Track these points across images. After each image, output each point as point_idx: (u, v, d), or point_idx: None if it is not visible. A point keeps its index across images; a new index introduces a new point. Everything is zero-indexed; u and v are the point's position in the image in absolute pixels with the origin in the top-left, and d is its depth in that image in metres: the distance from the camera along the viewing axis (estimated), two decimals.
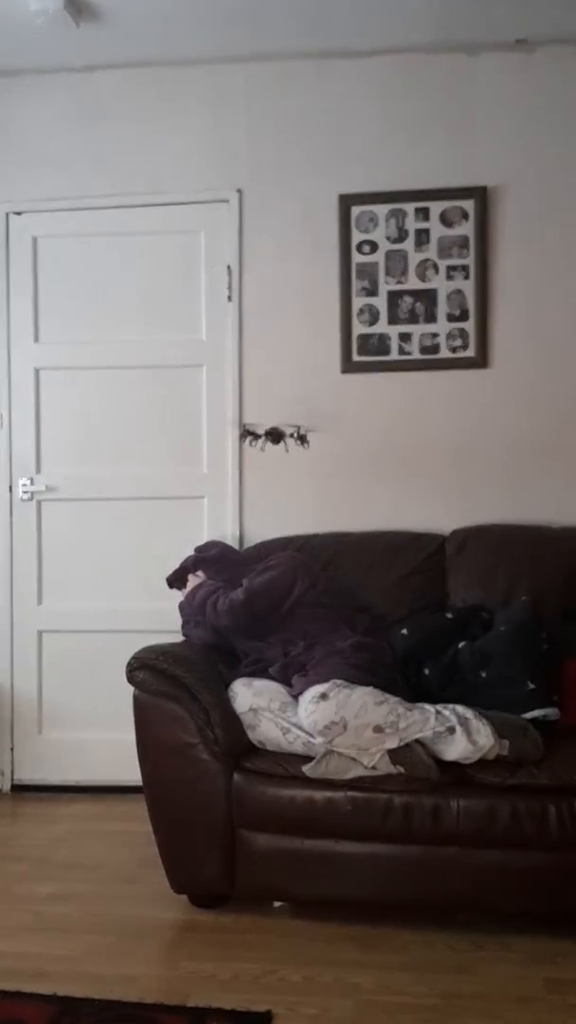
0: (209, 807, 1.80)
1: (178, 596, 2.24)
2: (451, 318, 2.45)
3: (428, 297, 2.46)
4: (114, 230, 2.59)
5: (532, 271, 2.43)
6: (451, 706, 1.76)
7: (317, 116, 2.50)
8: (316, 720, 1.72)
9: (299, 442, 2.36)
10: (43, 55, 2.49)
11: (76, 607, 2.60)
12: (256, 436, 2.38)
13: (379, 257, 2.47)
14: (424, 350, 2.47)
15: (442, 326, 2.45)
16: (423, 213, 2.45)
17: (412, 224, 2.46)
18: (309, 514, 2.46)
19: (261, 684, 1.90)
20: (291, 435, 2.36)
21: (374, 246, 2.48)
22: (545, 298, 2.43)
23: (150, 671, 1.86)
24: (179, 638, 2.15)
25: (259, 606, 2.04)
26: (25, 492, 2.63)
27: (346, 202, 2.47)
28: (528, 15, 2.29)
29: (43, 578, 2.63)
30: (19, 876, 2.05)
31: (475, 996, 1.55)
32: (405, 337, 2.47)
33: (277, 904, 1.87)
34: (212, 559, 2.25)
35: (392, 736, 1.70)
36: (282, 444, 2.36)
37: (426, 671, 1.91)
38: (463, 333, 2.45)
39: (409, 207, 2.46)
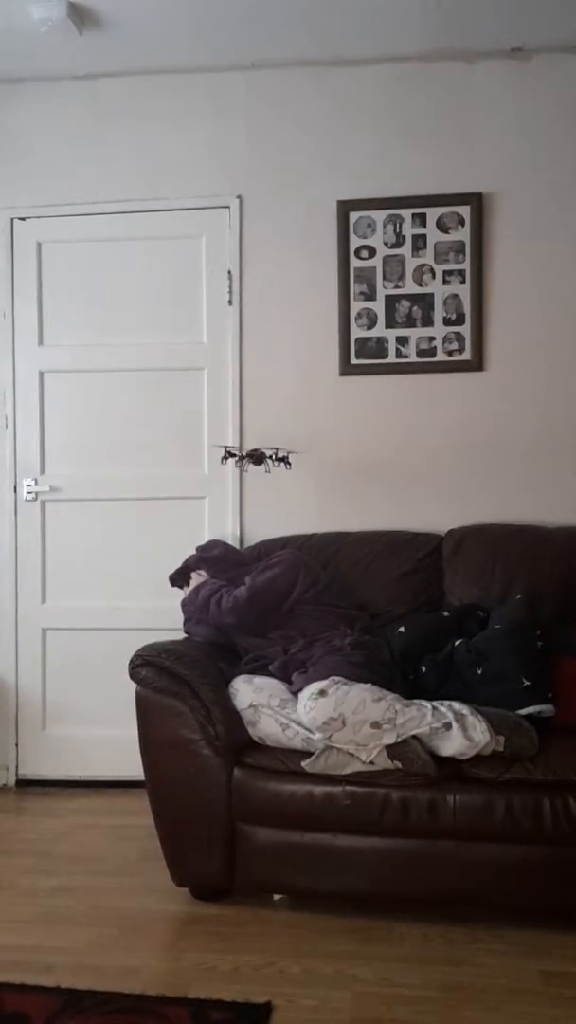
0: (210, 802, 1.82)
1: (179, 594, 2.26)
2: (447, 322, 2.48)
3: (425, 301, 2.49)
4: (117, 235, 2.62)
5: (527, 276, 2.46)
6: (447, 703, 1.78)
7: (316, 123, 2.53)
8: (315, 716, 1.74)
9: (279, 464, 2.35)
10: (46, 63, 2.52)
11: (79, 605, 2.63)
12: (237, 457, 2.37)
13: (377, 262, 2.50)
14: (421, 353, 2.49)
15: (439, 330, 2.47)
16: (420, 219, 2.49)
17: (409, 230, 2.49)
18: (309, 514, 2.49)
19: (261, 681, 1.93)
20: (270, 457, 2.34)
21: (372, 251, 2.51)
22: (540, 302, 2.46)
23: (152, 668, 1.88)
24: (181, 636, 2.17)
25: (262, 604, 2.07)
26: (29, 492, 2.66)
27: (344, 208, 2.51)
28: (524, 24, 2.32)
29: (47, 577, 2.66)
30: (23, 870, 2.07)
31: (471, 988, 1.57)
32: (402, 340, 2.50)
33: (277, 897, 1.89)
34: (214, 559, 2.27)
35: (390, 732, 1.72)
36: (263, 465, 2.35)
37: (423, 668, 1.93)
38: (459, 337, 2.48)
39: (406, 213, 2.49)
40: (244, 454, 2.38)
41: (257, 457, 2.34)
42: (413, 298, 2.49)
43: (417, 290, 2.49)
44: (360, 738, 1.72)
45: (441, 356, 2.48)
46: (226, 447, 2.41)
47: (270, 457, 2.35)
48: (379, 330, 2.50)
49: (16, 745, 2.65)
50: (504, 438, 2.47)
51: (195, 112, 2.58)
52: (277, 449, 2.36)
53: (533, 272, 2.46)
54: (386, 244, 2.50)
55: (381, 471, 2.51)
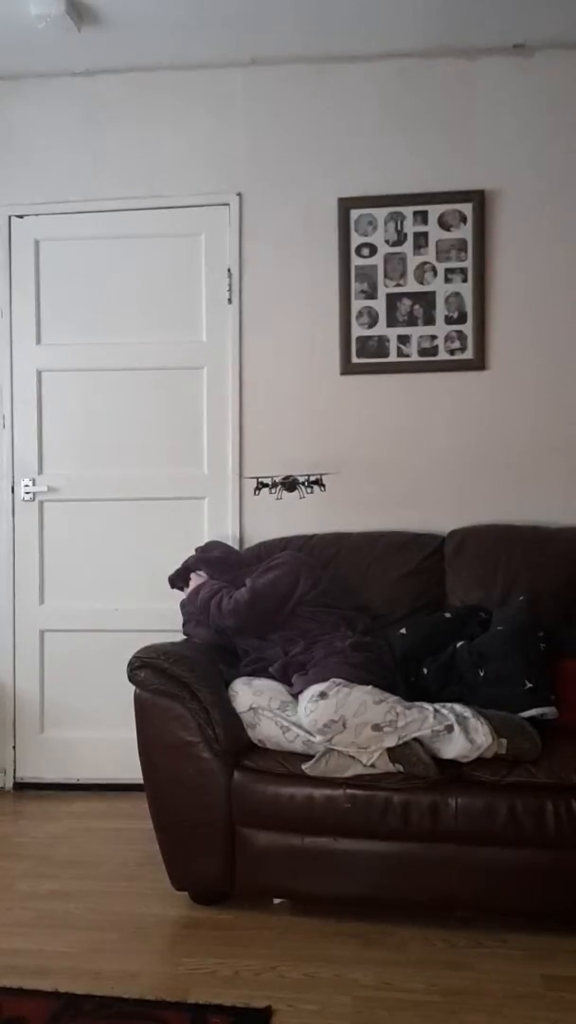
0: (209, 805, 1.81)
1: (179, 596, 2.25)
2: (449, 320, 2.47)
3: (426, 300, 2.47)
4: (115, 233, 2.60)
5: (529, 274, 2.45)
6: (449, 705, 1.78)
7: (317, 120, 2.52)
8: (316, 718, 1.73)
9: (312, 488, 2.35)
10: (45, 59, 2.51)
11: (78, 607, 2.62)
12: (269, 486, 2.37)
13: (378, 260, 2.49)
14: (423, 352, 2.48)
15: (440, 328, 2.46)
16: (422, 216, 2.47)
17: (411, 227, 2.47)
18: (309, 514, 2.47)
19: (261, 683, 1.92)
20: (303, 483, 2.35)
21: (373, 249, 2.49)
22: (542, 301, 2.45)
23: (151, 670, 1.87)
24: (180, 637, 2.16)
25: (263, 606, 2.06)
26: (27, 493, 2.64)
27: (345, 205, 2.49)
28: (526, 20, 2.31)
29: (45, 578, 2.64)
30: (21, 873, 2.06)
31: (473, 992, 1.56)
32: (404, 339, 2.48)
33: (277, 901, 1.88)
34: (214, 560, 2.26)
35: (391, 734, 1.71)
36: (297, 491, 2.36)
37: (425, 670, 1.92)
38: (461, 335, 2.46)
39: (408, 211, 2.47)
40: (278, 481, 2.37)
41: (290, 484, 2.34)
42: (414, 296, 2.48)
43: (418, 288, 2.47)
44: (361, 741, 1.71)
45: (443, 355, 2.47)
46: (258, 478, 2.42)
47: (303, 483, 2.34)
48: (380, 329, 2.49)
49: (14, 748, 2.64)
50: (507, 438, 2.46)
51: (194, 109, 2.56)
52: (309, 475, 2.36)
53: (536, 270, 2.45)
54: (387, 242, 2.48)
55: (382, 471, 2.49)
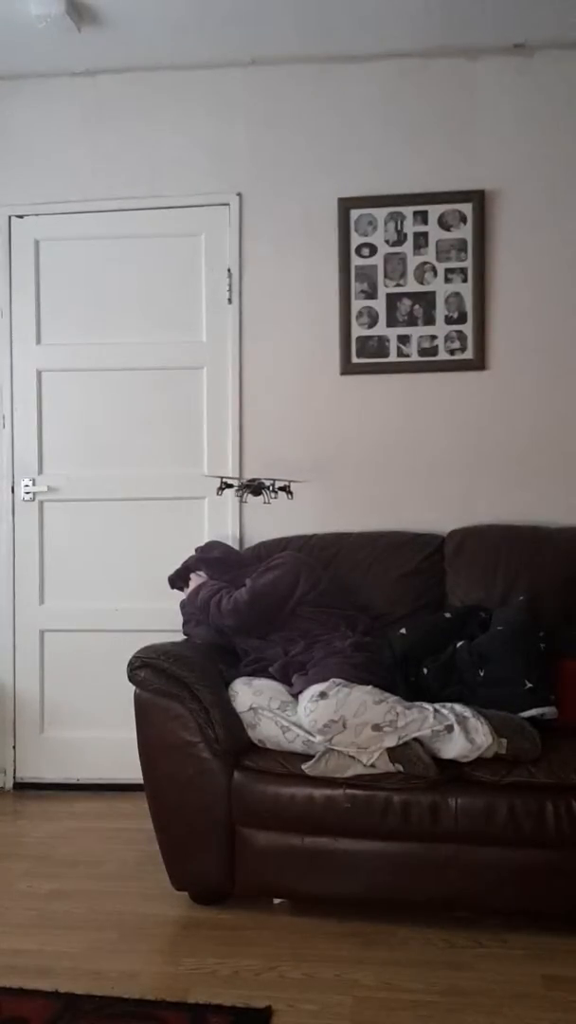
0: (210, 805, 1.81)
1: (179, 595, 2.26)
2: (449, 320, 2.47)
3: (426, 300, 2.47)
4: (115, 233, 2.61)
5: (530, 274, 2.45)
6: (449, 705, 1.78)
7: (317, 120, 2.52)
8: (316, 719, 1.73)
9: (277, 494, 2.30)
10: (45, 59, 2.51)
11: (78, 607, 2.62)
12: (235, 487, 2.31)
13: (378, 260, 2.49)
14: (422, 352, 2.48)
15: (440, 328, 2.46)
16: (422, 216, 2.47)
17: (411, 227, 2.47)
18: (309, 514, 2.48)
19: (261, 683, 1.92)
20: (268, 487, 2.29)
21: (373, 249, 2.49)
22: (542, 301, 2.45)
23: (151, 670, 1.87)
24: (180, 637, 2.16)
25: (263, 606, 2.06)
26: (27, 493, 2.64)
27: (345, 205, 2.49)
28: (526, 20, 2.31)
29: (45, 578, 2.64)
30: (21, 873, 2.06)
31: (473, 992, 1.56)
32: (404, 339, 2.49)
33: (277, 901, 1.88)
34: (214, 560, 2.26)
35: (391, 734, 1.71)
36: (263, 496, 2.30)
37: (425, 670, 1.92)
38: (461, 335, 2.46)
39: (408, 211, 2.47)
40: (243, 483, 2.33)
41: (255, 488, 2.29)
42: (414, 296, 2.48)
43: (418, 288, 2.47)
44: (361, 741, 1.71)
45: (443, 355, 2.47)
46: (223, 478, 2.39)
47: (268, 488, 2.30)
48: (380, 329, 2.49)
49: (14, 748, 2.64)
50: (506, 438, 2.46)
51: (194, 109, 2.56)
52: (275, 480, 2.33)
53: (536, 270, 2.45)
54: (387, 242, 2.48)
55: (382, 471, 2.49)
